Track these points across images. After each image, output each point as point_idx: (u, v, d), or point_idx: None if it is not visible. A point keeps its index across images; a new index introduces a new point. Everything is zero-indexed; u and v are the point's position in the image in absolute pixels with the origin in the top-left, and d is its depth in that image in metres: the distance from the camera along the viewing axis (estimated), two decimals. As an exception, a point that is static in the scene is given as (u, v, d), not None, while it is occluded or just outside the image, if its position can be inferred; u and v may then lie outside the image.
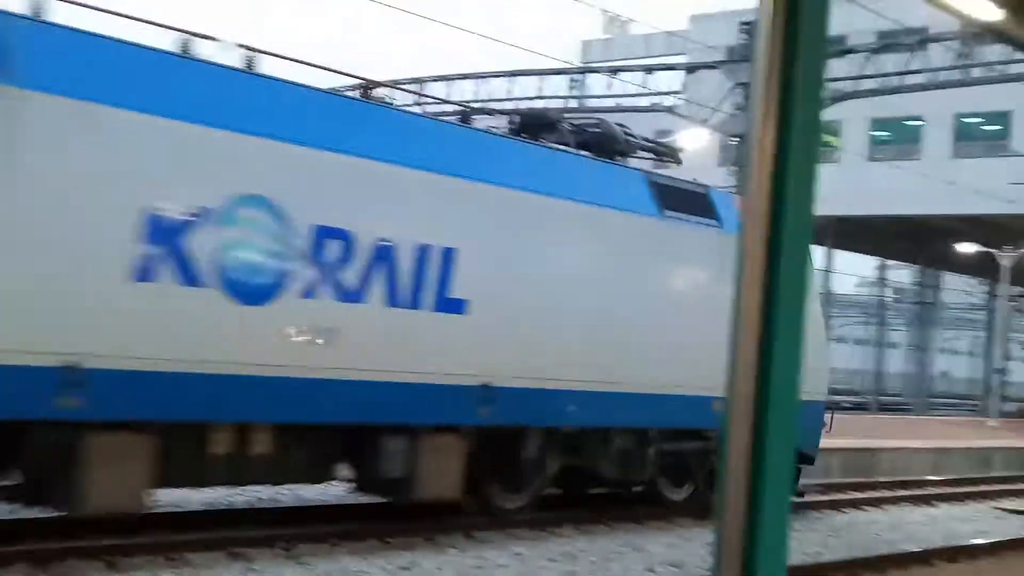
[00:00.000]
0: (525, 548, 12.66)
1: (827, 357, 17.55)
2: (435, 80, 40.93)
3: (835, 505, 18.00)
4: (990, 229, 43.91)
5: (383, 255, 11.77)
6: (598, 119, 16.33)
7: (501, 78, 39.55)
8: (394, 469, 12.14)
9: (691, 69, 34.21)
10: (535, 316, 13.25)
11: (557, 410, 13.61)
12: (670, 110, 34.19)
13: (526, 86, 39.35)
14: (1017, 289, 56.57)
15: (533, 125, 14.83)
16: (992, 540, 15.47)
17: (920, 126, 47.16)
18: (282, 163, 11.10)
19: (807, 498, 17.19)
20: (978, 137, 47.42)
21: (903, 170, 41.74)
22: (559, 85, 39.01)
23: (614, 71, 36.17)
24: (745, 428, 5.04)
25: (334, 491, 14.35)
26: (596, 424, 14.18)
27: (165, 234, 10.18)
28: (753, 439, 5.05)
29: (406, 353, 12.00)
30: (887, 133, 49.13)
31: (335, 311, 11.39)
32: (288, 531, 11.91)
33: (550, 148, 14.38)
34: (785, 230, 5.13)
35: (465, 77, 40.81)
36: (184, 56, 10.99)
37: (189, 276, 10.34)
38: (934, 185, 42.55)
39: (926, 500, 19.84)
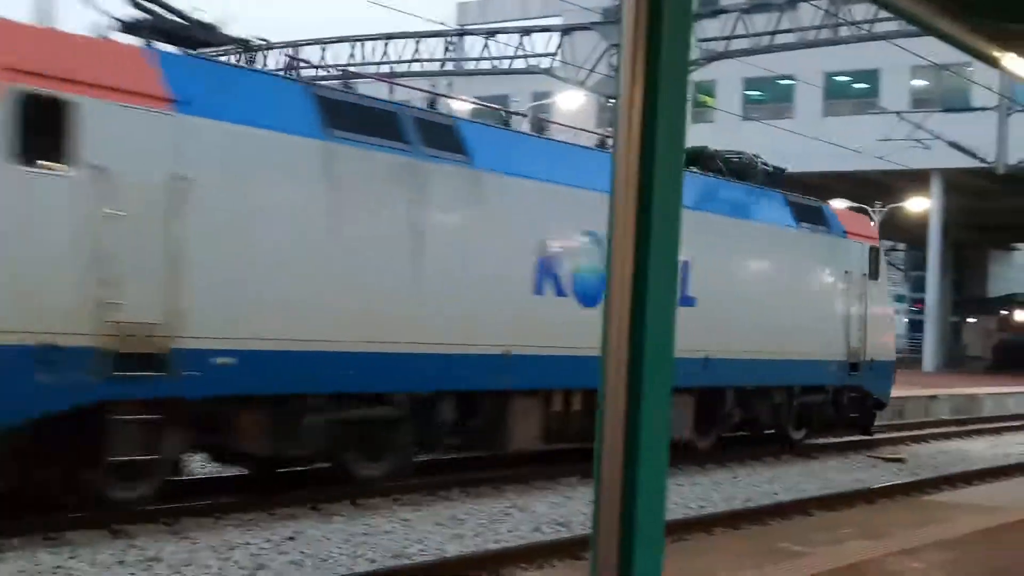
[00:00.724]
0: (412, 513, 12.69)
1: (894, 328, 24.14)
2: (310, 44, 40.45)
3: (717, 460, 18.35)
4: (861, 185, 44.98)
5: None
6: (740, 152, 20.13)
7: (377, 41, 39.23)
8: None
9: (567, 31, 34.29)
10: (732, 307, 18.15)
11: (746, 374, 18.53)
12: (547, 72, 34.25)
13: (402, 49, 39.11)
14: (888, 243, 58.04)
15: (700, 157, 18.93)
16: (868, 487, 15.94)
17: (792, 85, 48.01)
18: (600, 207, 14.06)
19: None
20: (848, 95, 48.47)
21: (776, 128, 42.44)
22: (435, 47, 38.78)
23: (490, 33, 36.10)
24: (621, 386, 5.09)
25: (215, 466, 14.21)
26: (766, 383, 19.11)
27: (548, 262, 15.09)
28: (628, 399, 5.10)
29: None
30: (760, 92, 49.95)
31: None
32: (171, 506, 11.77)
33: (733, 182, 19.17)
34: (656, 189, 5.18)
35: (340, 40, 40.39)
36: (549, 138, 17.05)
37: (559, 289, 15.26)
38: (806, 143, 43.41)
39: (805, 453, 20.32)
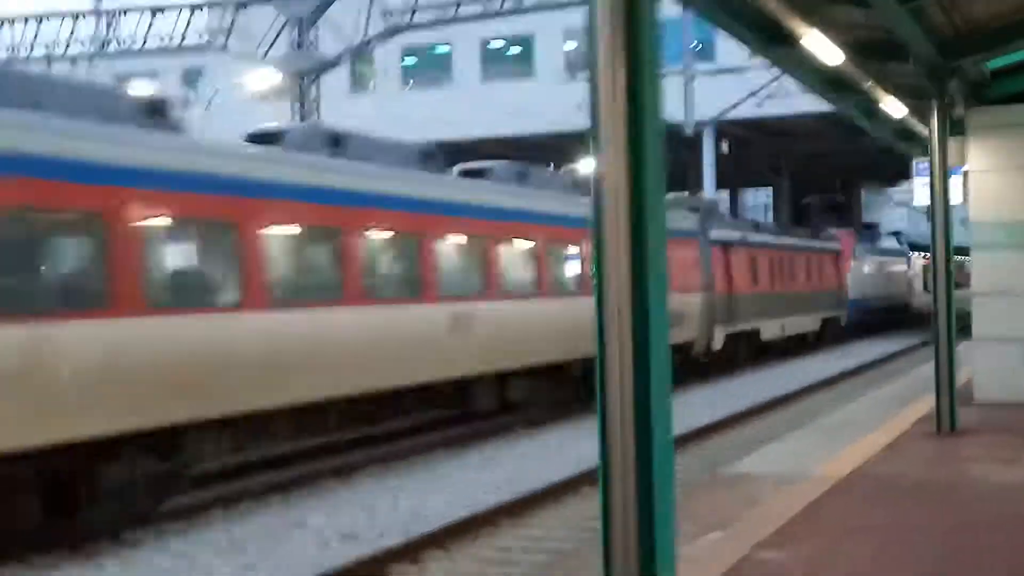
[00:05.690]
0: (182, 543, 11.41)
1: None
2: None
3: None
4: (526, 148, 45.54)
5: None
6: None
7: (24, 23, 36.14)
8: None
9: (241, 5, 32.67)
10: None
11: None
12: (223, 48, 32.51)
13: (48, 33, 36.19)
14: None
15: None
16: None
17: (449, 53, 47.93)
18: None
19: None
20: (505, 61, 48.83)
21: (437, 96, 42.08)
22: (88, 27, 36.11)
23: (155, 11, 33.91)
24: (628, 394, 4.44)
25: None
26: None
27: None
28: (635, 404, 4.45)
29: None
30: (418, 60, 49.59)
31: None
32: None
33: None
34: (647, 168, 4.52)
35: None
36: None
37: None
38: (467, 110, 43.37)
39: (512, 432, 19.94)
